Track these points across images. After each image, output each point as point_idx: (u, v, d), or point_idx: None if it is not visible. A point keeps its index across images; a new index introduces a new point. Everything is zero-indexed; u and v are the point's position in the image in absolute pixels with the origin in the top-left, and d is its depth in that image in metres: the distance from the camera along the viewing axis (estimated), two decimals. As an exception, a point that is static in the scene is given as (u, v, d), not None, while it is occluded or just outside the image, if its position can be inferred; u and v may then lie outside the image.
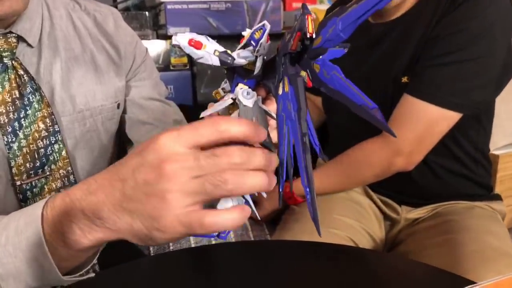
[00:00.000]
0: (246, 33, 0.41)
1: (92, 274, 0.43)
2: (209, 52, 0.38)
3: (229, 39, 1.46)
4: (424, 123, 0.81)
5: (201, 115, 0.40)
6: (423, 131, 0.81)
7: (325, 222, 0.88)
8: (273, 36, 0.40)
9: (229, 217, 0.34)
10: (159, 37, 1.45)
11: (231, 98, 0.39)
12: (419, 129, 0.81)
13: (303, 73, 0.36)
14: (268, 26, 0.37)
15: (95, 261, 0.57)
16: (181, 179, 0.32)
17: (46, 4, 0.65)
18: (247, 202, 0.39)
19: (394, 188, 0.94)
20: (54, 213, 0.37)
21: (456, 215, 0.87)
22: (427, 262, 0.64)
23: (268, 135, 0.38)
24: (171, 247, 0.95)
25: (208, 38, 0.38)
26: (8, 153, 0.58)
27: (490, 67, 0.80)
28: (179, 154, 0.32)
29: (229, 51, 0.38)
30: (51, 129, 0.61)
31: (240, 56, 0.38)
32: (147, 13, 1.38)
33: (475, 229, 0.81)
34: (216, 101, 0.45)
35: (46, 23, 0.63)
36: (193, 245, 0.95)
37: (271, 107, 0.41)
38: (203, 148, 0.33)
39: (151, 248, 0.95)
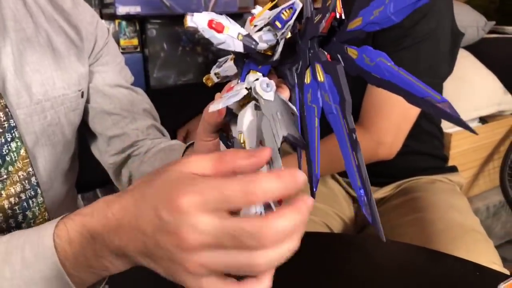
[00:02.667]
0: (257, 11, 0.35)
1: (106, 286, 0.41)
2: (232, 36, 0.32)
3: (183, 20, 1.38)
4: (399, 110, 0.81)
5: (210, 110, 0.34)
6: (400, 118, 0.82)
7: None
8: (229, 17, 0.35)
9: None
10: (104, 17, 1.33)
11: (245, 88, 0.34)
12: (396, 117, 0.81)
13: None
14: (299, 6, 0.32)
15: None
16: (201, 254, 0.29)
17: None
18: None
19: None
20: (74, 247, 0.34)
21: (420, 191, 0.89)
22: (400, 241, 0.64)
23: (295, 129, 0.33)
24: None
25: (229, 18, 0.32)
26: (-45, 155, 0.48)
27: (443, 40, 0.82)
28: (200, 227, 0.28)
29: (250, 34, 0.33)
30: (5, 125, 0.52)
31: (263, 40, 0.33)
32: (91, -10, 1.26)
33: (440, 206, 0.83)
34: (207, 87, 0.40)
35: None
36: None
37: (283, 96, 0.36)
38: None
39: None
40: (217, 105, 0.34)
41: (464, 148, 1.40)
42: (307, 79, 0.33)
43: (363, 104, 0.84)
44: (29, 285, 0.35)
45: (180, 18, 1.46)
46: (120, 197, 0.33)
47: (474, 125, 1.47)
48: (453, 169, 0.98)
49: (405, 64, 0.81)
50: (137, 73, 1.39)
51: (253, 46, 0.33)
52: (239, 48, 0.32)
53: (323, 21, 0.31)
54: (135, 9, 1.26)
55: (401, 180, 0.94)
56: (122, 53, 1.38)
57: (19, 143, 0.53)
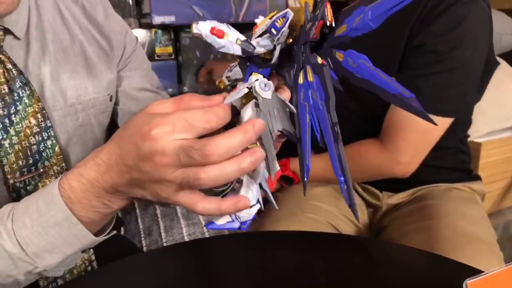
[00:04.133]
0: (259, 20, 0.40)
1: (114, 232, 0.48)
2: (231, 41, 0.37)
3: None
4: (420, 133, 0.81)
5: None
6: (419, 139, 0.82)
7: (303, 208, 0.89)
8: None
9: (214, 207, 0.37)
10: (142, 26, 1.42)
11: (246, 87, 0.38)
12: (416, 139, 0.82)
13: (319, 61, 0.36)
14: (291, 15, 0.36)
15: (93, 257, 0.64)
16: (168, 170, 0.36)
17: None
18: (265, 192, 0.39)
19: None
20: (76, 193, 0.41)
21: (434, 199, 0.88)
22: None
23: (293, 123, 0.37)
24: (163, 241, 0.95)
25: (229, 26, 0.37)
26: (0, 150, 0.55)
27: (476, 71, 0.81)
28: (169, 150, 0.35)
29: (248, 39, 0.38)
30: (43, 125, 0.59)
31: (260, 45, 0.37)
32: (130, 1, 1.35)
33: (450, 214, 0.82)
34: (219, 90, 0.44)
35: (33, 14, 0.61)
36: (186, 239, 0.94)
37: (284, 96, 0.40)
38: None
39: (143, 243, 0.94)
40: (225, 101, 0.39)
41: (494, 158, 1.37)
42: (301, 79, 0.37)
43: (384, 122, 0.84)
44: (47, 230, 0.42)
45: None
46: (104, 146, 0.41)
47: (507, 135, 1.43)
48: (476, 178, 0.96)
49: (429, 89, 0.79)
50: (171, 80, 1.47)
51: (250, 50, 0.37)
52: (238, 51, 0.37)
53: (313, 28, 0.35)
54: (169, 19, 1.33)
55: (418, 187, 0.93)
56: (157, 60, 1.48)
57: (54, 141, 0.60)
